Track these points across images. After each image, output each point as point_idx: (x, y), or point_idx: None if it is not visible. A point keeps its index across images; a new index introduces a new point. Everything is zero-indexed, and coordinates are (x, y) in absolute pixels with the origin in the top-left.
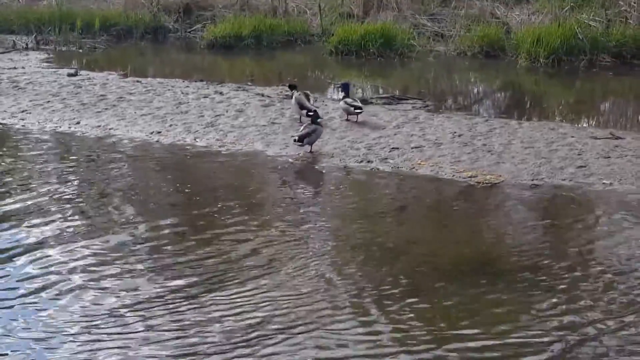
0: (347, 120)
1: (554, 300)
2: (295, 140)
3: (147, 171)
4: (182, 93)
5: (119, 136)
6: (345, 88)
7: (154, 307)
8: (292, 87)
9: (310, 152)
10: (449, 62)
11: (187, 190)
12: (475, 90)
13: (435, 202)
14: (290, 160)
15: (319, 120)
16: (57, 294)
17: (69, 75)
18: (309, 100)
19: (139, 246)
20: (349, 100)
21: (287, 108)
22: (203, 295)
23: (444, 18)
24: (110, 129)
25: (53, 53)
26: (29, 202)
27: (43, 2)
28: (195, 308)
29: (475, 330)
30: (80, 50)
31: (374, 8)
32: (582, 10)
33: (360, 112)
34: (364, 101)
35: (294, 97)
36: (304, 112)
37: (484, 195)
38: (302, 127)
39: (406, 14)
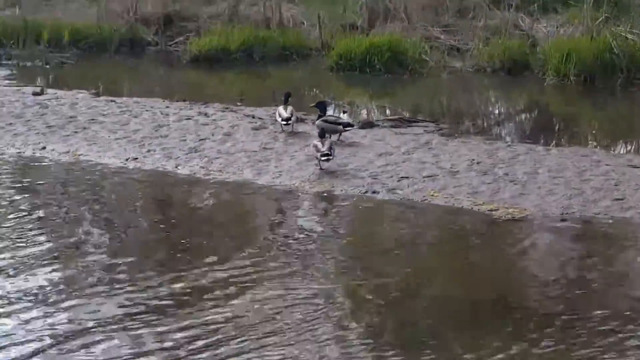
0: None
1: (590, 354)
2: (324, 155)
3: (121, 203)
4: (162, 114)
5: (90, 163)
6: (321, 106)
7: None
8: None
9: (326, 165)
10: (466, 80)
11: (166, 226)
12: (496, 112)
13: (450, 238)
14: (284, 190)
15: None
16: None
17: (34, 94)
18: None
19: (105, 290)
20: (330, 118)
21: (281, 132)
22: None
23: (460, 30)
24: (80, 154)
25: (16, 69)
26: None
27: (5, 12)
28: None
29: None
30: (47, 66)
31: (380, 19)
32: (618, 22)
33: (347, 130)
34: (369, 124)
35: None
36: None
37: (506, 230)
38: (319, 144)
39: (417, 26)
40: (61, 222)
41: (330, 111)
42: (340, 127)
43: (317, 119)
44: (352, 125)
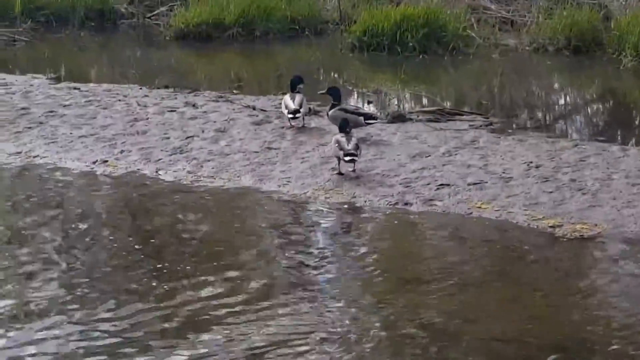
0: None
1: None
2: (348, 155)
3: (86, 217)
4: (139, 105)
5: (47, 167)
6: (335, 93)
7: None
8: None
9: (354, 170)
10: (523, 61)
11: (142, 247)
12: (560, 102)
13: (502, 262)
14: (292, 201)
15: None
16: None
17: None
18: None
19: (54, 329)
20: (349, 107)
21: (288, 127)
22: None
23: None
24: (35, 156)
25: None
26: None
27: None
28: None
29: None
30: None
31: None
32: None
33: (370, 124)
34: (401, 117)
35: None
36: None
37: (572, 252)
38: (343, 140)
39: None
40: (6, 244)
41: (350, 101)
42: (362, 119)
43: (331, 109)
44: (375, 118)
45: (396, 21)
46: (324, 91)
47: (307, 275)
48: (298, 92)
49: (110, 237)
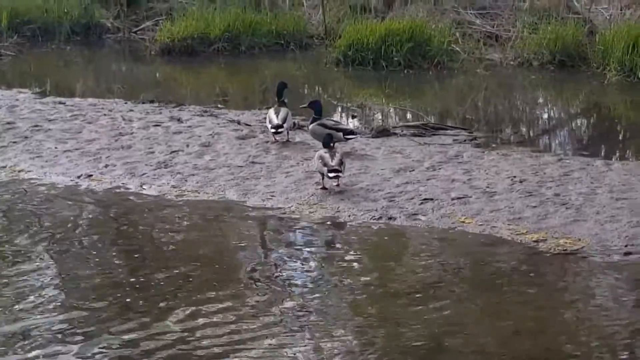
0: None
1: None
2: (332, 171)
3: (71, 232)
4: (124, 120)
5: (32, 182)
6: (316, 107)
7: None
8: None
9: (338, 184)
10: (507, 76)
11: (127, 263)
12: (545, 117)
13: (486, 276)
14: (277, 215)
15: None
16: None
17: None
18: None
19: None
20: (328, 122)
21: (273, 142)
22: None
23: (500, 13)
24: (19, 170)
25: None
26: None
27: None
28: None
29: None
30: None
31: None
32: None
33: (349, 139)
34: (385, 131)
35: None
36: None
37: (555, 267)
38: (326, 156)
39: (446, 8)
40: None
41: (334, 116)
42: (341, 134)
43: (311, 123)
44: (355, 134)
45: (381, 36)
46: (305, 105)
47: (289, 291)
48: (283, 105)
49: (93, 252)
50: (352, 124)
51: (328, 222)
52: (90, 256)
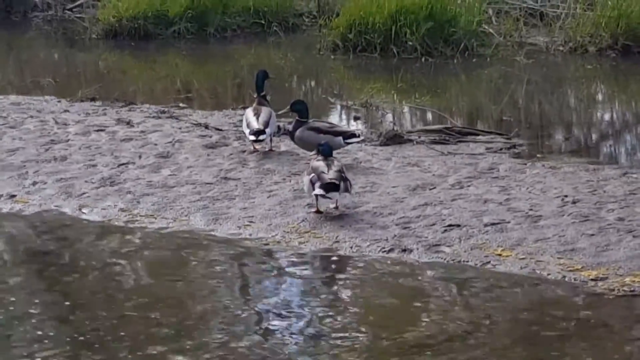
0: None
1: None
2: (325, 186)
3: None
4: (58, 123)
5: None
6: (300, 109)
7: None
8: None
9: (336, 207)
10: (556, 66)
11: (58, 308)
12: (605, 118)
13: (528, 327)
14: (257, 248)
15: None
16: None
17: None
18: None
19: None
20: (322, 124)
21: (251, 152)
22: None
23: None
24: None
25: None
26: None
27: None
28: None
29: None
30: None
31: None
32: None
33: (350, 143)
34: (397, 138)
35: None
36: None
37: (620, 313)
38: (321, 165)
39: None
40: None
41: (332, 118)
42: (340, 139)
43: (296, 128)
44: (357, 137)
45: (391, 13)
46: (286, 109)
47: (276, 348)
48: (265, 103)
49: (17, 295)
50: (354, 127)
51: (324, 256)
52: (7, 302)
